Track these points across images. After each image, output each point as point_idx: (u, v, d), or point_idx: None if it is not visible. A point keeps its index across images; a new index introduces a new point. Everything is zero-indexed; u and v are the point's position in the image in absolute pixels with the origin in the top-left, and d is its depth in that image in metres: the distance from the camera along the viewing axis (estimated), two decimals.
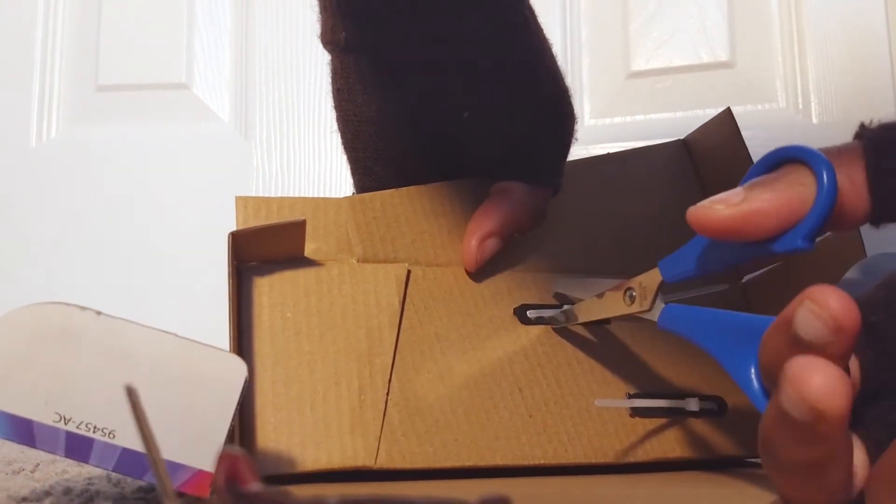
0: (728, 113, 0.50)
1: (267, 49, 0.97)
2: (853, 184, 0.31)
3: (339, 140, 0.47)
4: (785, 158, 0.32)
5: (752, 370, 0.30)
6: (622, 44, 0.89)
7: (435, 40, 0.42)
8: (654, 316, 0.36)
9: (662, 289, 0.36)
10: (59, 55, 0.99)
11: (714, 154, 0.51)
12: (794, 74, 0.87)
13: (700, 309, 0.34)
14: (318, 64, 0.97)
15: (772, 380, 0.28)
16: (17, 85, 0.98)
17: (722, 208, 0.31)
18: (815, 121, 0.85)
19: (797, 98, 0.86)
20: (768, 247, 0.31)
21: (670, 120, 0.87)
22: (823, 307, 0.25)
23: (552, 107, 0.44)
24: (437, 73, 0.42)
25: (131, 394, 0.22)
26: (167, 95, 0.97)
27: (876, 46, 0.84)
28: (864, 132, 0.33)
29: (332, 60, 0.45)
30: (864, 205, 0.32)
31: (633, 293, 0.38)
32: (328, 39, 0.44)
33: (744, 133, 0.49)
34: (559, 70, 0.45)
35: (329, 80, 0.46)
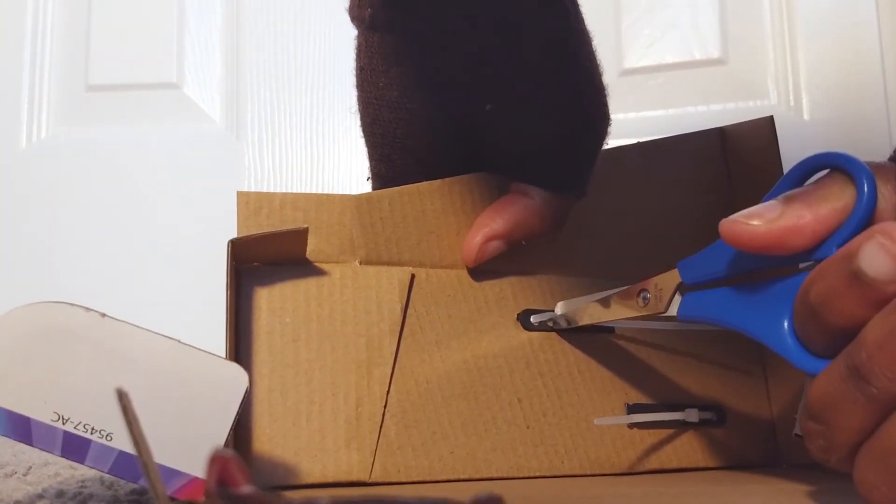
0: (770, 120, 0.48)
1: (258, 49, 0.97)
2: (886, 202, 0.30)
3: (358, 126, 0.45)
4: (821, 165, 0.31)
5: (785, 325, 0.30)
6: (614, 41, 0.89)
7: (464, 25, 0.40)
8: (672, 313, 0.35)
9: (680, 290, 0.35)
10: (49, 55, 0.98)
11: (748, 155, 0.49)
12: (785, 71, 0.87)
13: (719, 289, 0.33)
14: (309, 63, 0.96)
15: (815, 321, 0.28)
16: (7, 86, 0.98)
17: (759, 224, 0.30)
18: (806, 117, 0.85)
19: (788, 95, 0.86)
20: (803, 255, 0.31)
21: (663, 117, 0.87)
22: (895, 242, 0.25)
23: (584, 108, 0.42)
24: (463, 60, 0.40)
25: (122, 398, 0.22)
26: (158, 95, 0.97)
27: (866, 43, 0.85)
28: None
29: (358, 37, 0.43)
30: None
31: (648, 295, 0.36)
32: (354, 14, 0.42)
33: None
34: (597, 68, 0.42)
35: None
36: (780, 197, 0.31)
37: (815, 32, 0.86)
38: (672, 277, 0.35)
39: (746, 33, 0.88)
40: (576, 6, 0.42)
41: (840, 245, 0.30)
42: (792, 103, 0.86)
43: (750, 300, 0.31)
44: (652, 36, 0.89)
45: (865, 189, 0.29)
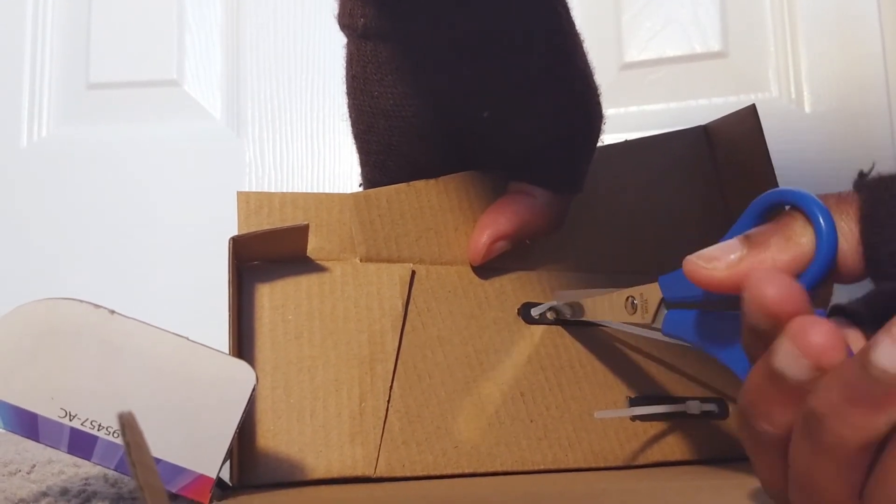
0: (752, 109, 0.48)
1: (258, 45, 0.97)
2: (849, 242, 0.30)
3: (350, 131, 0.45)
4: (782, 202, 0.31)
5: None
6: (615, 35, 0.89)
7: (460, 34, 0.40)
8: (658, 326, 0.35)
9: (665, 303, 0.35)
10: (49, 53, 0.98)
11: (734, 147, 0.50)
12: (786, 64, 0.87)
13: (702, 312, 0.33)
14: (310, 59, 0.96)
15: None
16: (8, 84, 0.97)
17: (720, 268, 0.30)
18: (807, 110, 0.85)
19: (790, 87, 0.86)
20: None
21: (664, 111, 0.87)
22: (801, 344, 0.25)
23: (581, 108, 0.42)
24: (460, 68, 0.40)
25: (125, 419, 0.22)
26: (158, 93, 0.97)
27: (868, 35, 0.85)
28: (862, 185, 0.31)
29: (348, 45, 0.43)
30: (861, 264, 0.30)
31: (635, 302, 0.37)
32: (346, 23, 0.42)
33: None
34: (590, 69, 0.43)
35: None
36: (740, 237, 0.30)
37: (817, 25, 0.86)
38: (656, 290, 0.35)
39: (747, 26, 0.88)
40: (566, 9, 0.42)
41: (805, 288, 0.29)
42: (793, 96, 0.86)
43: (726, 330, 0.31)
44: (652, 29, 0.89)
45: (824, 234, 0.29)
